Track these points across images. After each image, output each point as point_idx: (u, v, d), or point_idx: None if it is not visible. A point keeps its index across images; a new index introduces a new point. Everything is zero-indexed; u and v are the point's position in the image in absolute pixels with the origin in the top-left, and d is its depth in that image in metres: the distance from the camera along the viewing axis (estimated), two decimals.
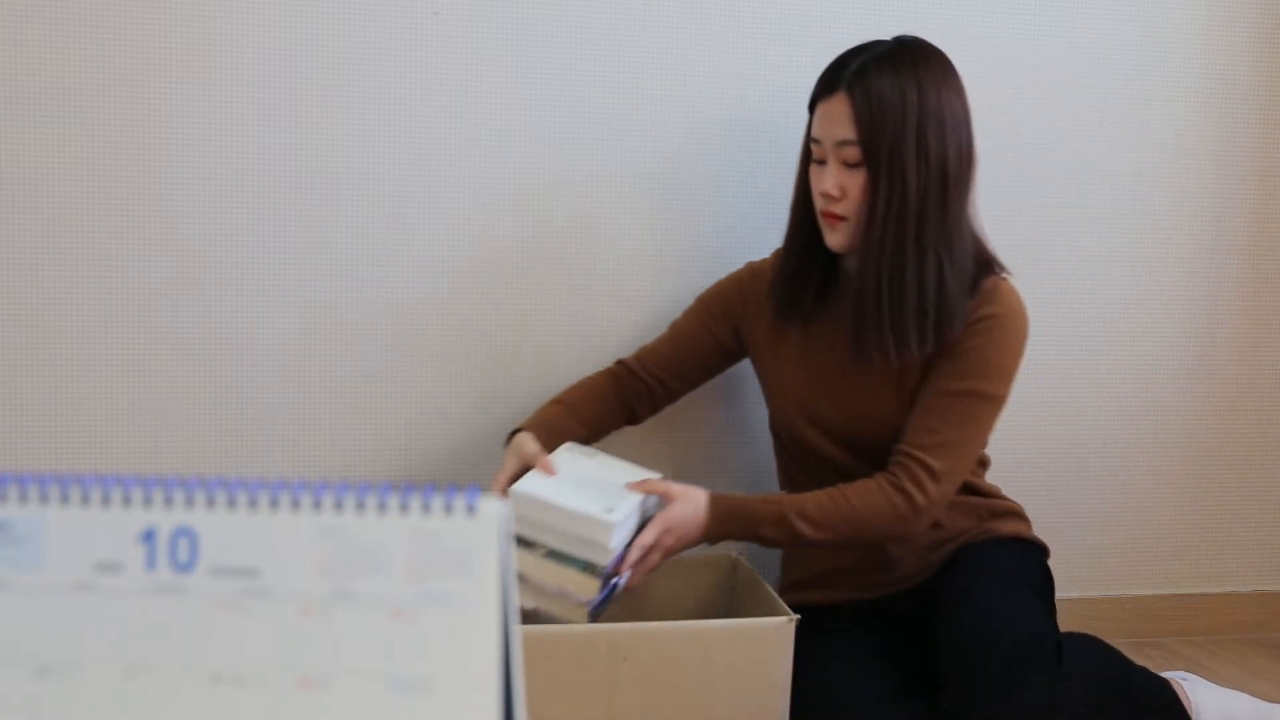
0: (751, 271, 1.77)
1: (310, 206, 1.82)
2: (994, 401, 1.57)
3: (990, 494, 1.74)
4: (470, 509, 0.59)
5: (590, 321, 1.94)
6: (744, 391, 1.99)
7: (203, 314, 1.81)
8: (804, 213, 1.63)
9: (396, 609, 0.59)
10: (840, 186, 1.54)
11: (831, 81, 1.55)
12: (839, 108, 1.53)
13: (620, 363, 1.81)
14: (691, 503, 1.52)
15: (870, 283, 1.53)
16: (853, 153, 1.52)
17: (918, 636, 1.65)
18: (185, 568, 0.60)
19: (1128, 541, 2.19)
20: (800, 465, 1.73)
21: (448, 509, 0.59)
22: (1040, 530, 1.78)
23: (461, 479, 1.90)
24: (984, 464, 1.76)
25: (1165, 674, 1.65)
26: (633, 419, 1.80)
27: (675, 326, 1.81)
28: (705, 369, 1.81)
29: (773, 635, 1.52)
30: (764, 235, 1.95)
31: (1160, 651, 2.12)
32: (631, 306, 1.94)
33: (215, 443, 1.83)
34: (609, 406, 1.77)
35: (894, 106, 1.50)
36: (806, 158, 1.62)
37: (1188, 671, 1.72)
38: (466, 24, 1.84)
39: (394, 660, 0.59)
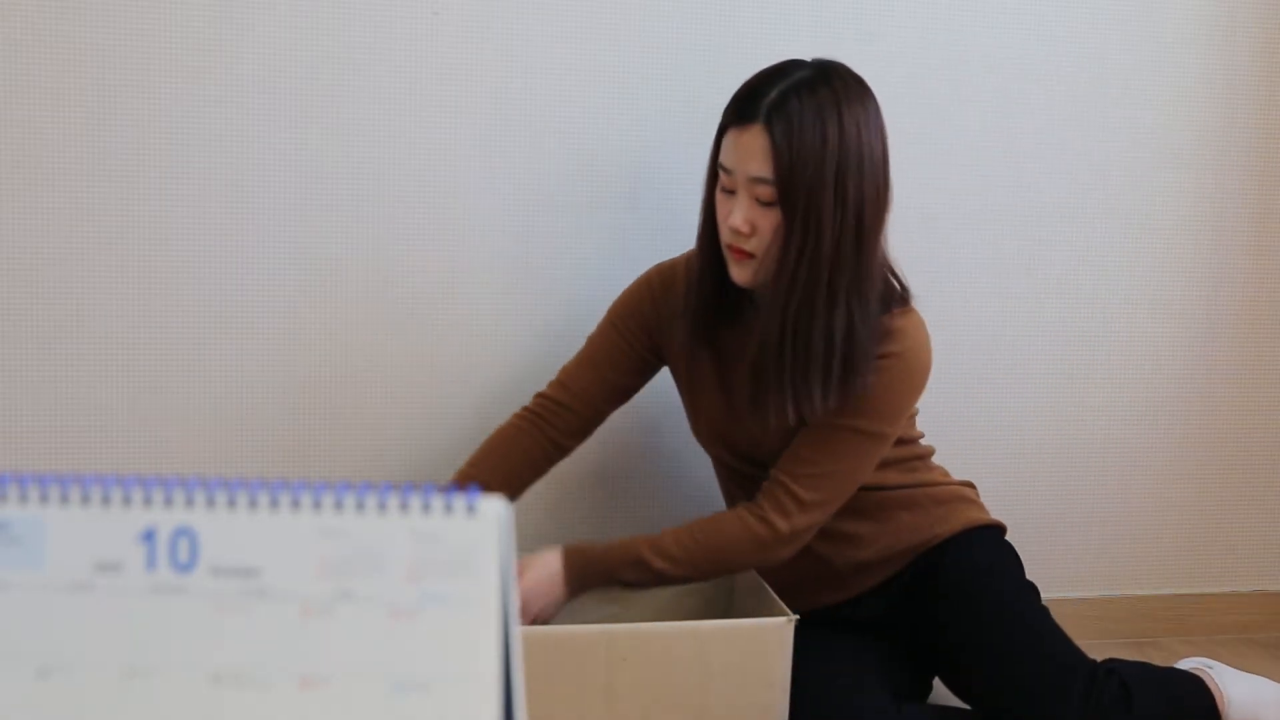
0: (662, 276, 1.68)
1: (310, 206, 1.82)
2: (880, 439, 1.53)
3: (931, 483, 1.70)
4: (470, 509, 0.59)
5: (590, 321, 1.94)
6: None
7: (203, 313, 1.81)
8: (711, 240, 1.54)
9: (396, 609, 0.59)
10: (750, 222, 1.45)
11: (747, 110, 1.44)
12: (755, 141, 1.43)
13: (542, 397, 1.71)
14: (545, 567, 1.51)
15: (773, 337, 1.46)
16: (767, 191, 1.43)
17: (897, 636, 1.68)
18: (185, 568, 0.60)
19: (1128, 541, 2.19)
20: (728, 475, 1.73)
21: (448, 509, 0.59)
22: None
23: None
24: (925, 456, 1.72)
25: (1187, 662, 1.68)
26: (560, 454, 1.72)
27: (592, 344, 1.71)
28: (632, 384, 1.72)
29: (773, 635, 1.52)
30: None
31: (1160, 651, 2.12)
32: None
33: (215, 443, 1.83)
34: (525, 458, 1.68)
35: (813, 148, 1.40)
36: (713, 181, 1.52)
37: (1204, 658, 1.74)
38: (466, 24, 1.84)
39: (394, 660, 0.59)
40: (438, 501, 0.60)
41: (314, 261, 1.83)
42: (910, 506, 1.67)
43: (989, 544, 1.67)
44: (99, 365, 1.78)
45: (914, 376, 1.52)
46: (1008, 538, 1.73)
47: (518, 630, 0.61)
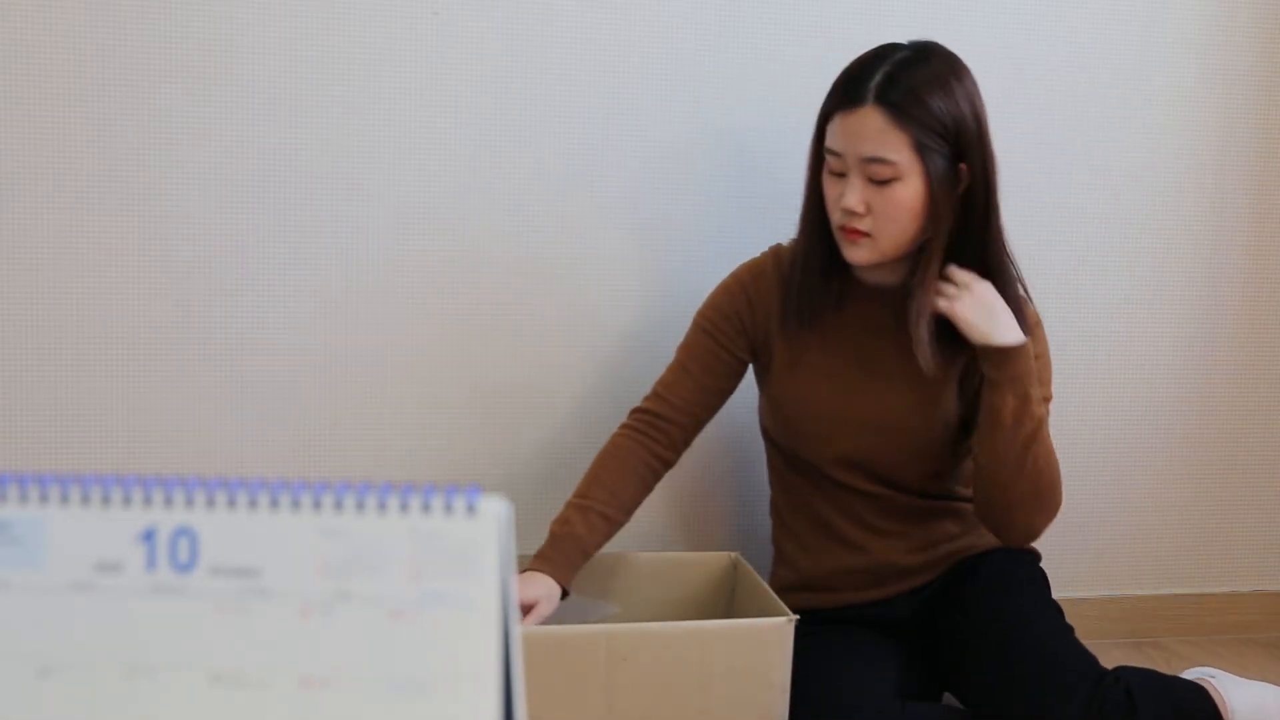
0: (753, 275, 1.69)
1: (310, 206, 1.82)
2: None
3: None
4: (470, 509, 0.59)
5: (589, 320, 1.94)
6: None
7: (203, 313, 1.81)
8: (818, 226, 1.58)
9: (396, 609, 0.59)
10: (864, 203, 1.49)
11: (854, 92, 1.49)
12: (866, 121, 1.47)
13: (641, 413, 1.68)
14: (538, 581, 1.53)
15: (923, 297, 1.52)
16: (882, 169, 1.47)
17: (918, 640, 1.66)
18: (185, 568, 0.60)
19: (1128, 541, 2.19)
20: (798, 472, 1.72)
21: (448, 509, 0.59)
22: None
23: (461, 479, 1.90)
24: (954, 468, 1.73)
25: (1192, 672, 1.68)
26: (665, 469, 1.70)
27: (686, 353, 1.69)
28: (727, 388, 1.72)
29: (773, 635, 1.52)
30: (758, 238, 1.95)
31: (1160, 651, 2.12)
32: (629, 305, 1.94)
33: (215, 443, 1.83)
34: (637, 479, 1.66)
35: (931, 115, 1.46)
36: (817, 168, 1.57)
37: (1208, 667, 1.74)
38: (466, 24, 1.84)
39: (394, 660, 0.59)
40: (438, 501, 0.59)
41: (314, 261, 1.83)
42: (956, 517, 1.69)
43: (1022, 564, 1.68)
44: (99, 365, 1.78)
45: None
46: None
47: (518, 630, 0.61)
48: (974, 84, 1.52)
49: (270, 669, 0.59)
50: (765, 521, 1.92)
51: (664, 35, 1.91)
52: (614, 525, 1.62)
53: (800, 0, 1.95)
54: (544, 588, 1.50)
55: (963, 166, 1.50)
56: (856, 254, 1.53)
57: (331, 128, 1.82)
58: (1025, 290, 1.61)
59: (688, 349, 1.69)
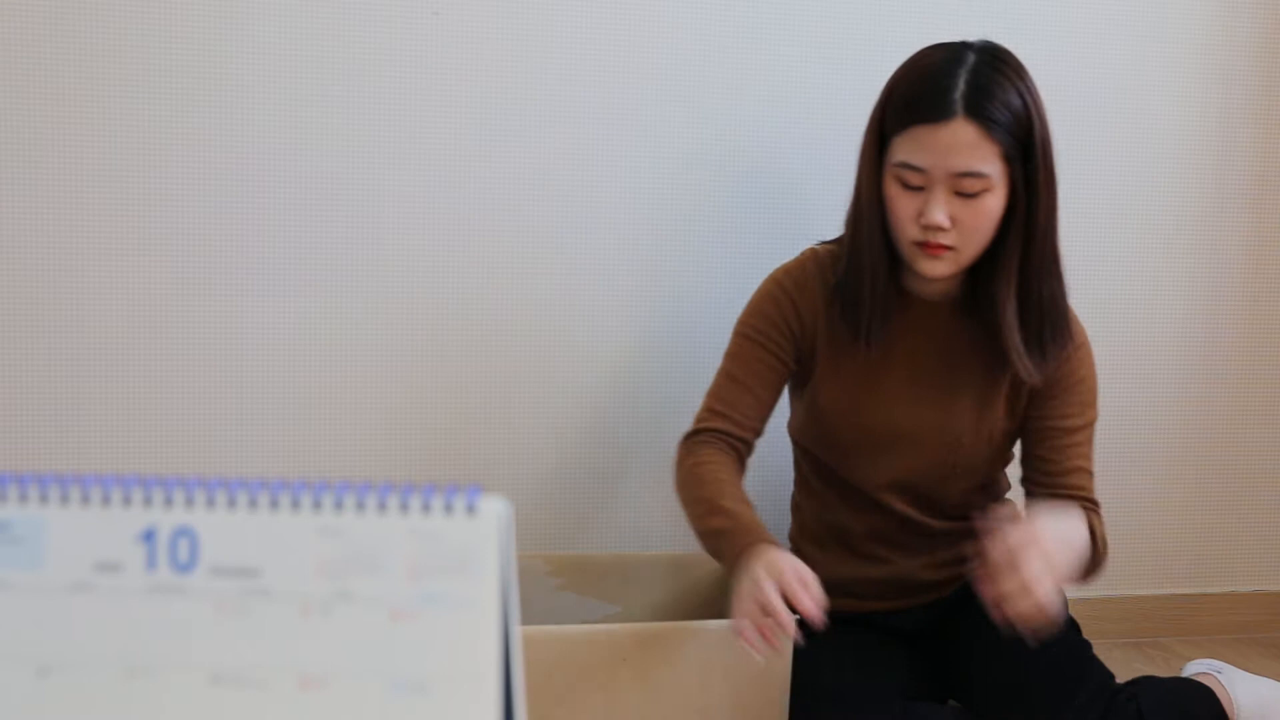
0: (793, 280, 1.61)
1: (310, 206, 1.82)
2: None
3: (1008, 516, 1.71)
4: (470, 509, 0.59)
5: (589, 320, 1.94)
6: None
7: (202, 313, 1.81)
8: (881, 240, 1.50)
9: (396, 609, 0.59)
10: (951, 217, 1.43)
11: (939, 105, 1.41)
12: (958, 134, 1.40)
13: (714, 433, 1.59)
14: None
15: (1008, 305, 1.50)
16: (973, 183, 1.42)
17: (927, 645, 1.66)
18: (185, 568, 0.60)
19: (1127, 541, 2.19)
20: (829, 483, 1.68)
21: (448, 509, 0.59)
22: None
23: (462, 479, 1.90)
24: (1007, 489, 1.72)
25: (1197, 664, 1.68)
26: None
27: (739, 367, 1.60)
28: (777, 398, 1.64)
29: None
30: (758, 238, 1.95)
31: (1160, 651, 2.12)
32: (629, 305, 1.94)
33: (215, 443, 1.83)
34: (740, 482, 1.58)
35: (1022, 120, 1.43)
36: (877, 180, 1.48)
37: (1213, 660, 1.74)
38: (466, 24, 1.84)
39: (394, 660, 0.59)
40: (438, 501, 0.59)
41: (314, 261, 1.83)
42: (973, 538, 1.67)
43: None
44: (99, 365, 1.78)
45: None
46: None
47: (518, 630, 0.61)
48: (1033, 82, 1.49)
49: (270, 669, 0.59)
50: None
51: (664, 35, 1.91)
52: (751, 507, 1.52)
53: (800, 2, 1.95)
54: (782, 551, 1.40)
55: (1037, 168, 1.46)
56: (938, 268, 1.47)
57: (331, 128, 1.82)
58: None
59: (739, 361, 1.60)
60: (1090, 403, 1.59)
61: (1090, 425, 1.59)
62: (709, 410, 1.60)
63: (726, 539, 1.45)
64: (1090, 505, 1.57)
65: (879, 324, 1.53)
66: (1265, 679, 1.68)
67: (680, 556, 1.85)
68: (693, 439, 1.59)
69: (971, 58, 1.46)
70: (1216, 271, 2.16)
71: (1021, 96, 1.44)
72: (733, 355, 1.62)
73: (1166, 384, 2.17)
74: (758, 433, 1.61)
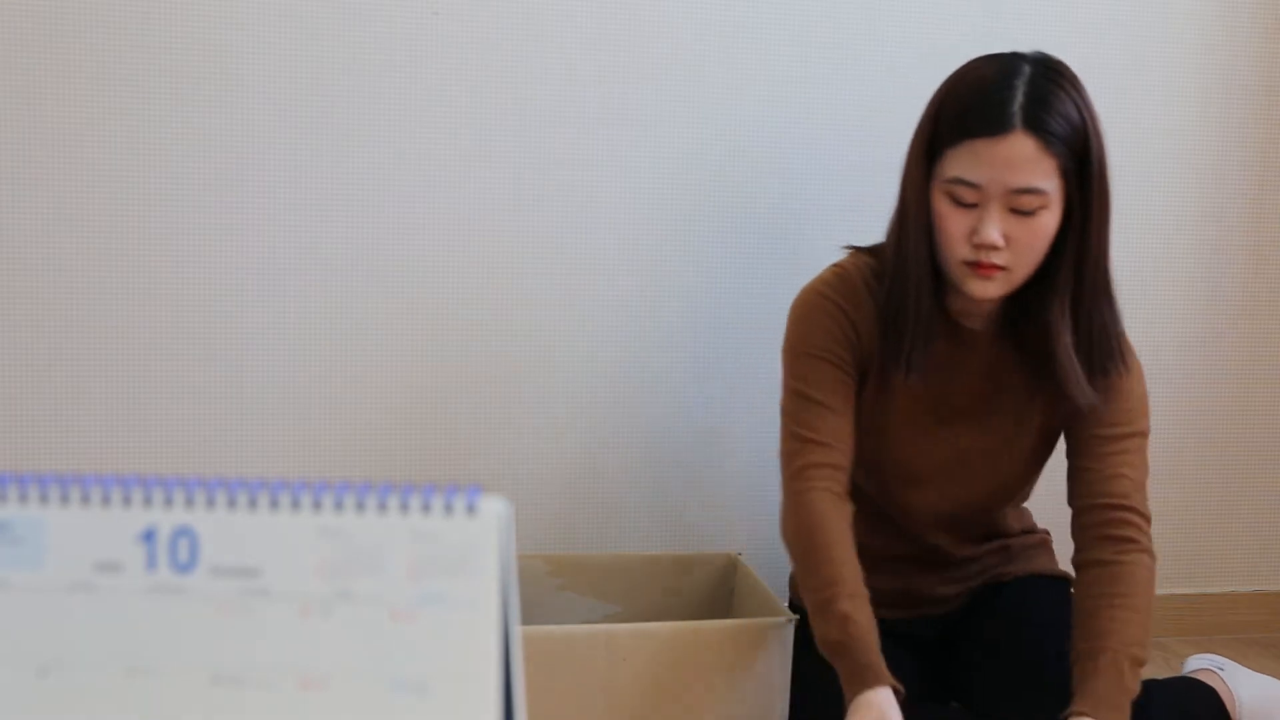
0: (842, 294, 1.50)
1: (310, 207, 1.82)
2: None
3: (1024, 530, 1.69)
4: (470, 509, 0.59)
5: (588, 320, 1.94)
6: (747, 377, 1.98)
7: (202, 314, 1.81)
8: (928, 259, 1.42)
9: (396, 609, 0.59)
10: (1005, 235, 1.36)
11: (998, 117, 1.34)
12: (1017, 149, 1.33)
13: (824, 467, 1.46)
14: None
15: (1062, 332, 1.43)
16: (1032, 200, 1.35)
17: (931, 652, 1.65)
18: (185, 568, 0.60)
19: None
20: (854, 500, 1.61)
21: (448, 509, 0.59)
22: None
23: (461, 479, 1.90)
24: (1025, 497, 1.70)
25: (1199, 659, 1.67)
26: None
27: (828, 391, 1.48)
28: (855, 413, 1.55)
29: (773, 635, 1.52)
30: (759, 238, 1.95)
31: (1160, 651, 2.12)
32: (629, 305, 1.94)
33: (215, 443, 1.83)
34: (851, 536, 1.47)
35: (1082, 133, 1.36)
36: (924, 197, 1.41)
37: (1215, 655, 1.74)
38: (466, 24, 1.84)
39: (394, 660, 0.59)
40: (438, 501, 0.59)
41: (314, 261, 1.83)
42: (1002, 552, 1.66)
43: (1051, 587, 1.64)
44: (99, 365, 1.78)
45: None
46: None
47: (518, 630, 0.61)
48: (1086, 92, 1.41)
49: (270, 669, 0.59)
50: (766, 521, 1.93)
51: (664, 35, 1.91)
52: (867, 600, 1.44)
53: (803, 1, 1.95)
54: (888, 703, 1.33)
55: (1093, 185, 1.39)
56: (989, 289, 1.39)
57: (331, 128, 1.82)
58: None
59: (811, 383, 1.48)
60: (1139, 412, 1.50)
61: (1139, 435, 1.50)
62: (800, 440, 1.47)
63: (840, 660, 1.38)
64: (1137, 540, 1.45)
65: (921, 352, 1.45)
66: (1267, 676, 1.68)
67: (680, 556, 1.85)
68: (798, 481, 1.46)
69: (1027, 68, 1.38)
70: (1216, 271, 2.16)
71: (1079, 109, 1.36)
72: (800, 377, 1.49)
73: (1166, 384, 2.17)
74: (851, 456, 1.48)
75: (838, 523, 1.42)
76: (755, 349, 1.98)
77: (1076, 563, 1.49)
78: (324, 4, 1.79)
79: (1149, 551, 1.45)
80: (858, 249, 1.54)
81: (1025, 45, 2.03)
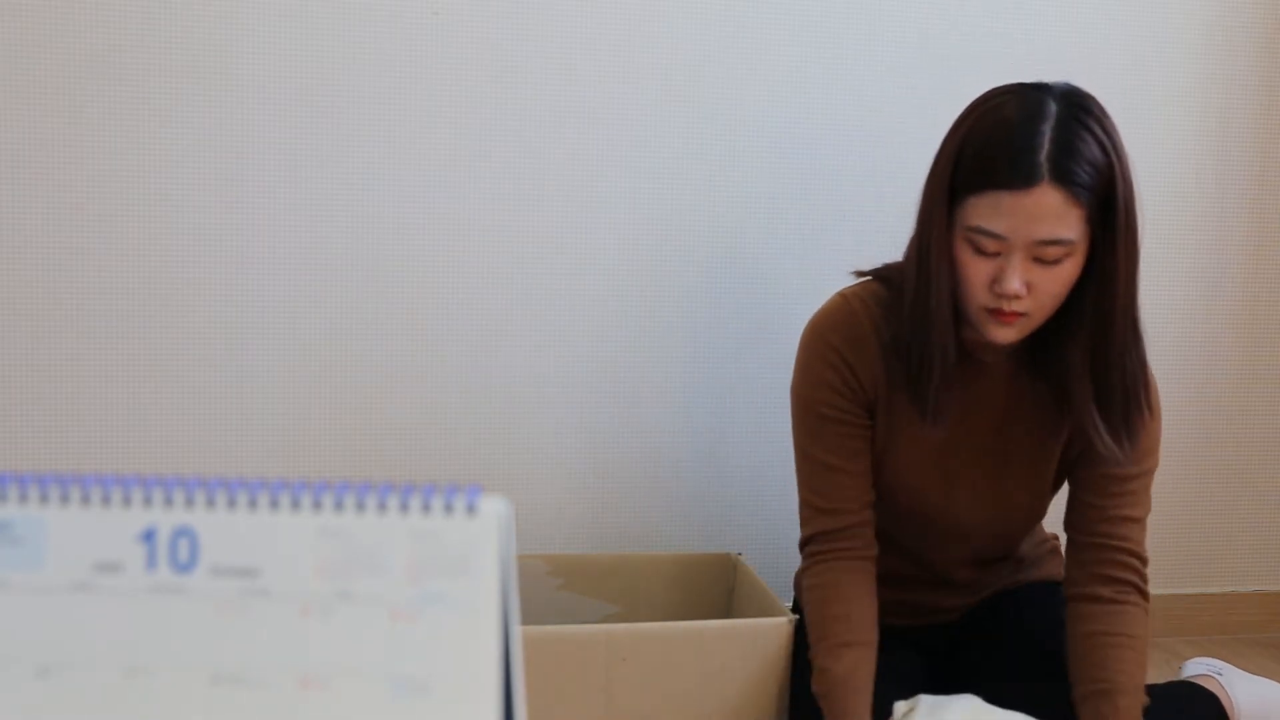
0: (843, 339, 1.47)
1: (309, 206, 1.82)
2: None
3: (1036, 543, 1.69)
4: (470, 509, 0.59)
5: (588, 319, 1.94)
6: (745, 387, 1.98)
7: (202, 313, 1.81)
8: (950, 310, 1.37)
9: (396, 609, 0.59)
10: (1027, 284, 1.31)
11: (1025, 168, 1.27)
12: (1043, 202, 1.27)
13: (827, 535, 1.47)
14: None
15: (1085, 378, 1.38)
16: (1056, 250, 1.29)
17: (931, 653, 1.65)
18: (185, 568, 0.60)
19: None
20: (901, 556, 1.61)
21: (448, 509, 0.59)
22: None
23: (461, 479, 1.90)
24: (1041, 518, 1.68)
25: (1197, 663, 1.68)
26: (875, 565, 1.51)
27: (830, 450, 1.47)
28: (871, 462, 1.52)
29: (772, 635, 1.52)
30: (758, 239, 1.95)
31: (1160, 652, 2.12)
32: (629, 305, 1.94)
33: (215, 443, 1.83)
34: (874, 603, 1.48)
35: (1108, 181, 1.30)
36: (946, 244, 1.35)
37: (1213, 659, 1.74)
38: (466, 24, 1.84)
39: (394, 660, 0.59)
40: (438, 501, 0.59)
41: (314, 261, 1.84)
42: (1014, 563, 1.66)
43: (1057, 593, 1.61)
44: (99, 365, 1.78)
45: (1160, 404, 1.49)
46: None
47: (518, 630, 0.60)
48: (1116, 127, 1.35)
49: (270, 669, 0.59)
50: (766, 521, 1.93)
51: (664, 35, 1.91)
52: (871, 647, 1.46)
53: (799, 3, 1.95)
54: None
55: (1118, 231, 1.33)
56: (1007, 334, 1.35)
57: (331, 128, 1.82)
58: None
59: (820, 445, 1.47)
60: (1151, 450, 1.46)
61: (1148, 474, 1.47)
62: (813, 510, 1.48)
63: (821, 702, 1.41)
64: (1134, 584, 1.45)
65: (945, 401, 1.41)
66: (1265, 680, 1.68)
67: (680, 556, 1.85)
68: (804, 551, 1.49)
69: (1054, 108, 1.30)
70: (1216, 271, 2.16)
71: (1104, 150, 1.30)
72: (809, 434, 1.48)
73: (1166, 384, 2.16)
74: (870, 505, 1.49)
75: (837, 592, 1.45)
76: (755, 349, 1.98)
77: (1071, 593, 1.48)
78: (324, 4, 1.79)
79: (1146, 596, 1.46)
80: (866, 274, 1.50)
81: (1025, 45, 2.03)
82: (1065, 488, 1.54)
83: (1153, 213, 2.13)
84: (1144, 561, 1.47)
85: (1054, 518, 1.67)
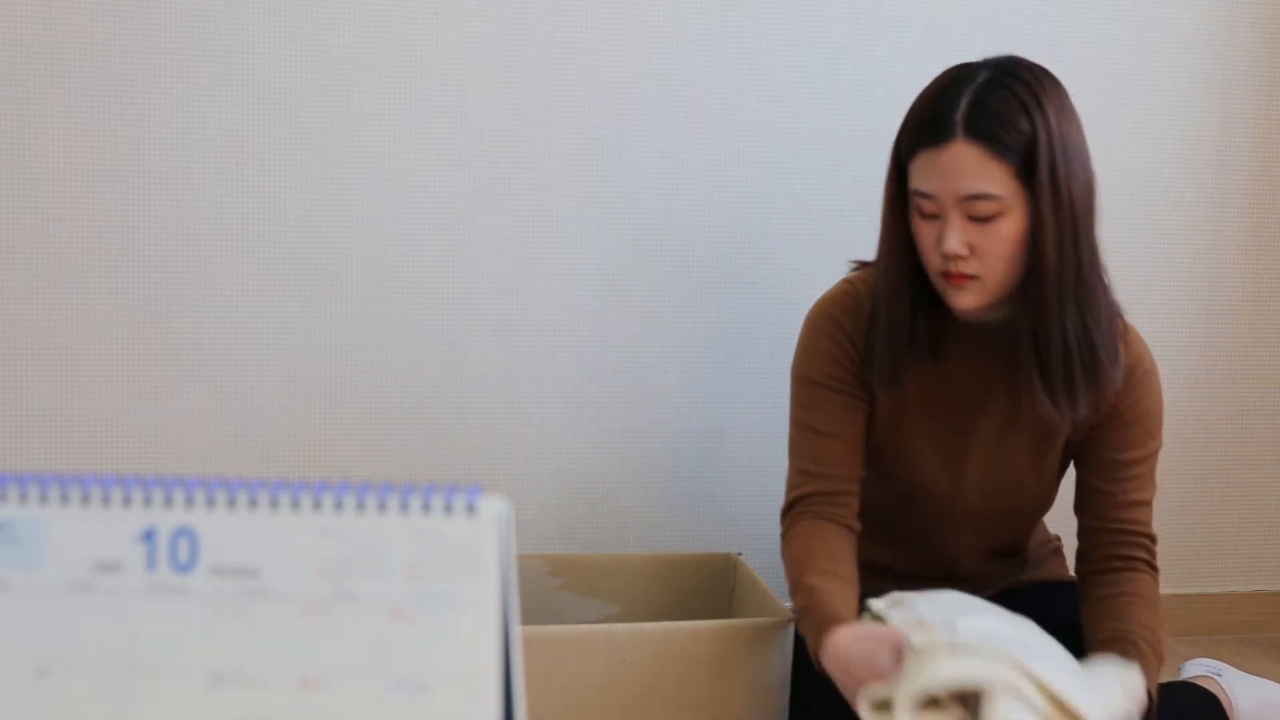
0: (844, 312, 1.50)
1: (309, 206, 1.82)
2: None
3: (1039, 541, 1.69)
4: (470, 509, 0.59)
5: (589, 318, 1.94)
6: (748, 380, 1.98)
7: (202, 313, 1.81)
8: (909, 275, 1.42)
9: (396, 609, 0.59)
10: (967, 244, 1.34)
11: (940, 127, 1.34)
12: (960, 156, 1.32)
13: (813, 497, 1.49)
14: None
15: (1027, 340, 1.39)
16: (985, 205, 1.32)
17: None
18: (185, 568, 0.60)
19: None
20: (871, 518, 1.60)
21: (448, 509, 0.59)
22: None
23: (461, 479, 1.90)
24: (1047, 510, 1.68)
25: (1196, 664, 1.68)
26: (856, 538, 1.51)
27: (824, 418, 1.49)
28: (866, 435, 1.53)
29: (772, 635, 1.52)
30: (756, 240, 1.95)
31: None
32: (628, 305, 1.94)
33: (215, 443, 1.83)
34: (852, 564, 1.47)
35: (1025, 140, 1.32)
36: (899, 212, 1.41)
37: (1213, 660, 1.74)
38: (466, 24, 1.84)
39: (394, 660, 0.59)
40: (438, 501, 0.59)
41: (314, 261, 1.84)
42: (1022, 562, 1.66)
43: (1063, 596, 1.62)
44: (99, 365, 1.78)
45: (1159, 381, 1.51)
46: None
47: (518, 630, 0.60)
48: (1066, 96, 1.38)
49: (270, 669, 0.59)
50: (766, 521, 1.92)
51: (664, 35, 1.91)
52: (855, 589, 1.44)
53: (798, 2, 1.95)
54: (848, 635, 1.31)
55: (1062, 187, 1.34)
56: (965, 299, 1.38)
57: (331, 128, 1.82)
58: (1119, 308, 1.47)
59: (814, 411, 1.50)
60: (1154, 432, 1.49)
61: (1153, 455, 1.50)
62: (798, 473, 1.50)
63: (805, 625, 1.39)
64: (1145, 559, 1.47)
65: (900, 366, 1.44)
66: (1265, 680, 1.68)
67: (680, 556, 1.85)
68: (789, 514, 1.50)
69: (982, 75, 1.36)
70: (1216, 271, 2.16)
71: (1026, 109, 1.33)
72: (805, 406, 1.51)
73: (1166, 384, 2.16)
74: (859, 479, 1.50)
75: (816, 538, 1.45)
76: (754, 348, 1.98)
77: (1083, 570, 1.49)
78: (324, 4, 1.79)
79: (1156, 570, 1.48)
80: (866, 264, 1.53)
81: (1026, 44, 2.03)
82: (1072, 478, 1.54)
83: (1153, 213, 2.14)
84: (1153, 540, 1.49)
85: (1054, 517, 1.67)
